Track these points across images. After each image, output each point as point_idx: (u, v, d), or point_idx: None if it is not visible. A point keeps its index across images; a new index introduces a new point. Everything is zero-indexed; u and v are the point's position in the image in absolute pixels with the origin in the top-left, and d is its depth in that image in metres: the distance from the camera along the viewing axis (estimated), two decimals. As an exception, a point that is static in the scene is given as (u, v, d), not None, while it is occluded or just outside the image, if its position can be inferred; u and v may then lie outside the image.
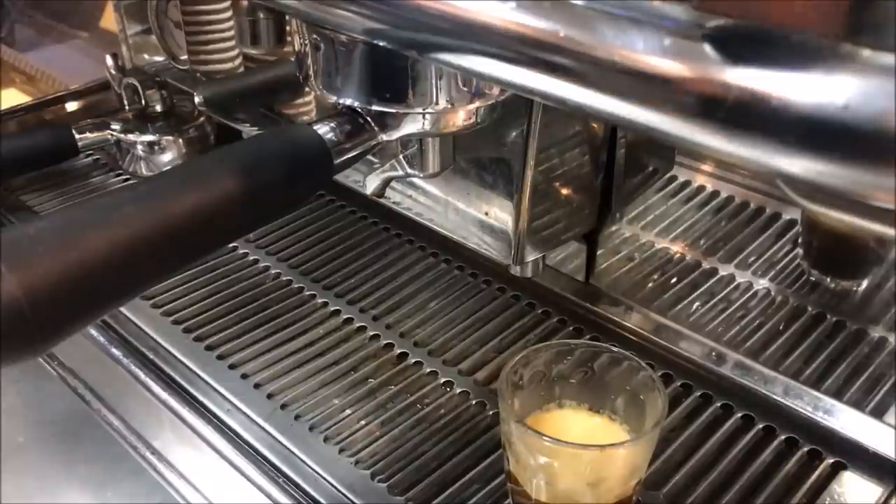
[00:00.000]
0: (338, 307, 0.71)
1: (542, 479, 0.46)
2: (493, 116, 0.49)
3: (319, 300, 0.72)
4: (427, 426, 0.59)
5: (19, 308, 0.32)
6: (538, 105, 0.52)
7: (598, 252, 0.68)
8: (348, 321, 0.69)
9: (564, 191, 0.59)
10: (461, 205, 0.60)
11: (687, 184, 0.76)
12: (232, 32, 0.75)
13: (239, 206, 0.40)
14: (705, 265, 0.70)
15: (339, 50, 0.45)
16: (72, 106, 0.99)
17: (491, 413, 0.60)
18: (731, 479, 0.54)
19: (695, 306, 0.66)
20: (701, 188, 0.76)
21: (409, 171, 0.52)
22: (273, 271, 0.76)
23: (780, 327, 0.64)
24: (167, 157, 0.89)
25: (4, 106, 0.96)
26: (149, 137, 0.88)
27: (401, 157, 0.51)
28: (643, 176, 0.68)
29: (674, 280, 0.69)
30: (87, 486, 0.65)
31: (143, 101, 0.88)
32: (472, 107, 0.47)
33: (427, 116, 0.47)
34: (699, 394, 0.61)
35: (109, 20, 1.12)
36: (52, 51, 1.24)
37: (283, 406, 0.61)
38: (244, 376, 0.64)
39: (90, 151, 0.92)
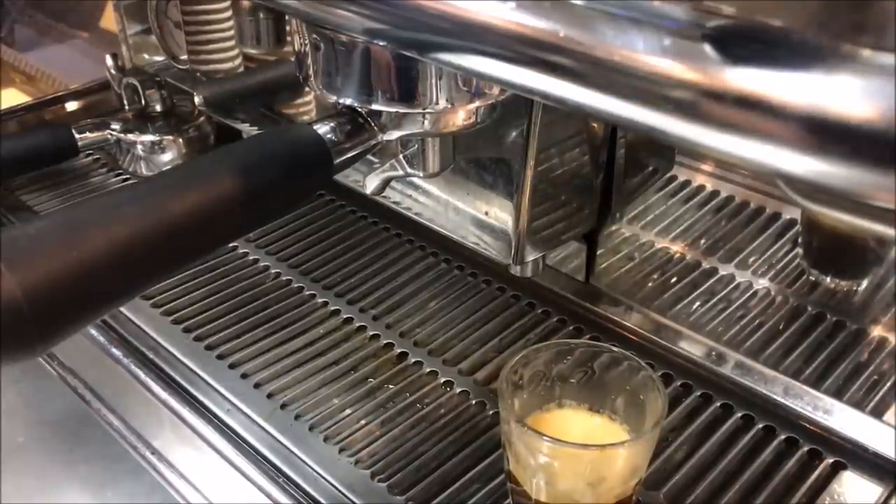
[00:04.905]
0: (338, 307, 0.71)
1: (542, 479, 0.46)
2: (492, 116, 0.49)
3: (319, 300, 0.72)
4: (427, 426, 0.59)
5: (19, 308, 0.32)
6: (538, 105, 0.52)
7: (598, 252, 0.68)
8: (348, 321, 0.69)
9: (564, 191, 0.59)
10: (461, 205, 0.60)
11: (687, 184, 0.76)
12: (232, 32, 0.75)
13: (239, 206, 0.40)
14: (705, 265, 0.70)
15: (339, 50, 0.45)
16: (72, 106, 0.99)
17: (491, 413, 0.60)
18: (731, 478, 0.54)
19: (695, 306, 0.66)
20: (701, 188, 0.76)
21: (409, 170, 0.52)
22: (273, 271, 0.76)
23: (780, 327, 0.64)
24: (167, 157, 0.89)
25: (4, 106, 0.96)
26: (149, 137, 0.88)
27: (401, 156, 0.51)
28: (643, 176, 0.68)
29: (674, 280, 0.69)
30: (87, 486, 0.65)
31: (143, 101, 0.88)
32: (472, 106, 0.47)
33: (427, 116, 0.47)
34: (699, 394, 0.61)
35: (109, 20, 1.12)
36: (52, 51, 1.24)
37: (283, 406, 0.61)
38: (244, 376, 0.64)
39: (90, 151, 0.92)
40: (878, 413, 0.57)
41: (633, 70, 0.27)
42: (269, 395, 0.62)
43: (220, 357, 0.66)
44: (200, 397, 0.62)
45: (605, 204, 0.64)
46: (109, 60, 0.89)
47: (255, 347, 0.67)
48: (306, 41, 0.47)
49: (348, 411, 0.60)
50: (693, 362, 0.62)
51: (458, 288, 0.72)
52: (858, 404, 0.57)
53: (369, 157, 0.49)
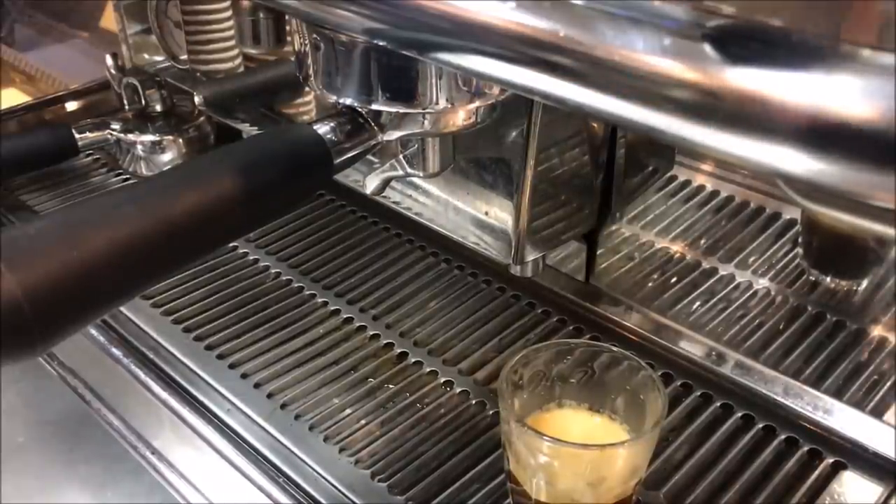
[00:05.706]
0: (338, 307, 0.71)
1: (542, 479, 0.46)
2: (492, 116, 0.49)
3: (319, 300, 0.72)
4: (427, 426, 0.59)
5: (19, 308, 0.32)
6: (538, 105, 0.52)
7: (598, 252, 0.68)
8: (348, 321, 0.69)
9: (564, 191, 0.59)
10: (461, 204, 0.60)
11: (687, 183, 0.76)
12: (232, 32, 0.75)
13: (239, 206, 0.40)
14: (705, 265, 0.70)
15: (339, 50, 0.45)
16: (72, 106, 0.99)
17: (491, 413, 0.60)
18: (731, 478, 0.54)
19: (695, 306, 0.66)
20: (701, 188, 0.76)
21: (409, 170, 0.52)
22: (273, 271, 0.76)
23: (780, 327, 0.64)
24: (167, 157, 0.89)
25: (4, 106, 0.96)
26: (149, 137, 0.88)
27: (401, 156, 0.51)
28: (643, 176, 0.68)
29: (674, 280, 0.69)
30: (87, 486, 0.65)
31: (143, 101, 0.88)
32: (472, 106, 0.47)
33: (427, 116, 0.47)
34: (699, 394, 0.61)
35: (109, 20, 1.12)
36: (52, 51, 1.24)
37: (283, 406, 0.61)
38: (244, 376, 0.64)
39: (90, 151, 0.92)
40: (878, 413, 0.57)
41: (633, 70, 0.27)
42: (269, 395, 0.62)
43: (220, 357, 0.66)
44: (200, 397, 0.62)
45: (605, 204, 0.64)
46: (109, 60, 0.89)
47: (255, 347, 0.67)
48: (306, 41, 0.47)
49: (348, 411, 0.60)
50: (693, 362, 0.62)
51: (458, 288, 0.72)
52: (858, 404, 0.57)
53: (369, 157, 0.49)
